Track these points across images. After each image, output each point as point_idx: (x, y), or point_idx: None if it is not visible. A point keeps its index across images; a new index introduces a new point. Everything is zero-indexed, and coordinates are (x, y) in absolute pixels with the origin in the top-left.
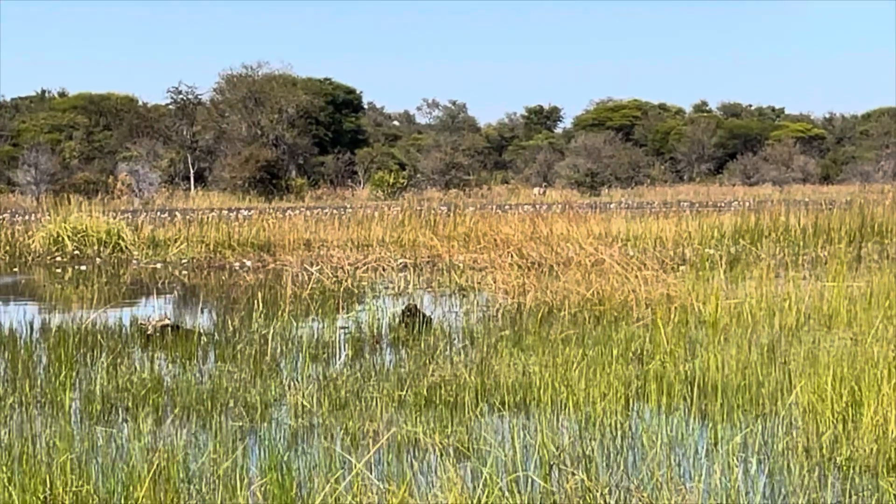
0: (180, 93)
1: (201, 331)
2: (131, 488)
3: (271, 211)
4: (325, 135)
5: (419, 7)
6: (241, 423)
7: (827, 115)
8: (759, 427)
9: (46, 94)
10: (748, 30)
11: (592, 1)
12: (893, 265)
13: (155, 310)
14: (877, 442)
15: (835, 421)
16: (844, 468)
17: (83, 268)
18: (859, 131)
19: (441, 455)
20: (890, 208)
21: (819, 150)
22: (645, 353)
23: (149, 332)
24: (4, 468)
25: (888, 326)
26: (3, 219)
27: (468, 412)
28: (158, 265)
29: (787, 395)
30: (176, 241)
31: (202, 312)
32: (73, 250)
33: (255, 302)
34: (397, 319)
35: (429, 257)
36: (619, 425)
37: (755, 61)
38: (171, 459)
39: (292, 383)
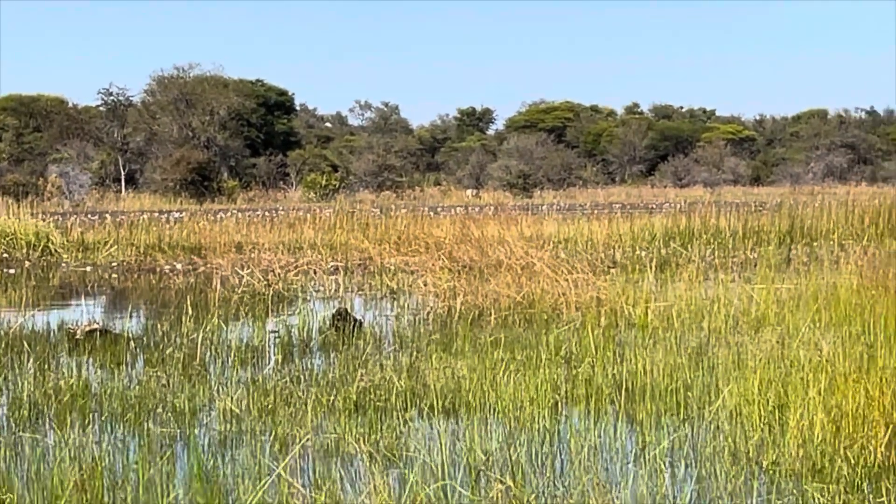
0: (111, 94)
1: (130, 335)
2: (55, 497)
3: (202, 213)
4: (256, 136)
5: (351, 8)
6: (168, 429)
7: (757, 117)
8: (687, 431)
9: None
10: (679, 32)
11: (524, 2)
12: (822, 267)
13: (84, 314)
14: (802, 446)
15: (761, 425)
16: (770, 472)
17: (11, 271)
18: (789, 133)
19: (369, 461)
20: (819, 210)
21: (750, 151)
22: (574, 356)
23: (77, 337)
24: None
25: (815, 330)
26: None
27: (397, 417)
28: (88, 268)
29: (715, 399)
30: (106, 243)
31: (131, 316)
32: (2, 253)
33: (185, 306)
34: (328, 323)
35: (360, 260)
36: (547, 430)
37: (686, 63)
38: (96, 466)
39: (221, 388)
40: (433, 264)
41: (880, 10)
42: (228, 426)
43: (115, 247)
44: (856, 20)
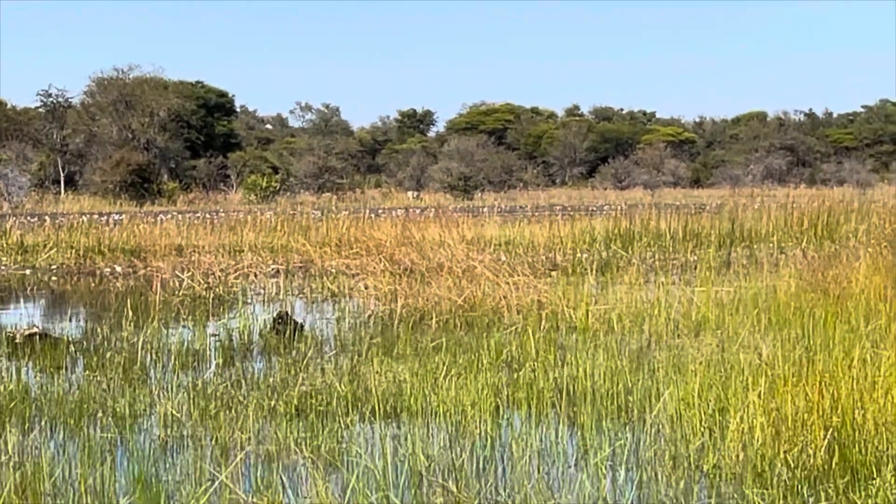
0: (50, 96)
1: (70, 339)
2: None
3: (142, 215)
4: (197, 138)
5: (291, 9)
6: (109, 434)
7: (697, 119)
8: (628, 435)
9: None
10: (619, 34)
11: (464, 2)
12: (761, 270)
13: (23, 317)
14: (743, 450)
15: (702, 429)
16: (711, 476)
17: None
18: (729, 135)
19: (311, 466)
20: (759, 213)
21: (689, 153)
22: (515, 360)
23: (17, 341)
24: None
25: (755, 333)
26: None
27: (339, 422)
28: (27, 271)
29: (656, 403)
30: (45, 246)
31: (71, 320)
32: None
33: (125, 309)
34: (269, 327)
35: (301, 263)
36: (489, 434)
37: (626, 65)
38: (37, 472)
39: (162, 392)
40: (374, 267)
41: (819, 13)
42: (169, 431)
43: (55, 249)
44: (794, 22)
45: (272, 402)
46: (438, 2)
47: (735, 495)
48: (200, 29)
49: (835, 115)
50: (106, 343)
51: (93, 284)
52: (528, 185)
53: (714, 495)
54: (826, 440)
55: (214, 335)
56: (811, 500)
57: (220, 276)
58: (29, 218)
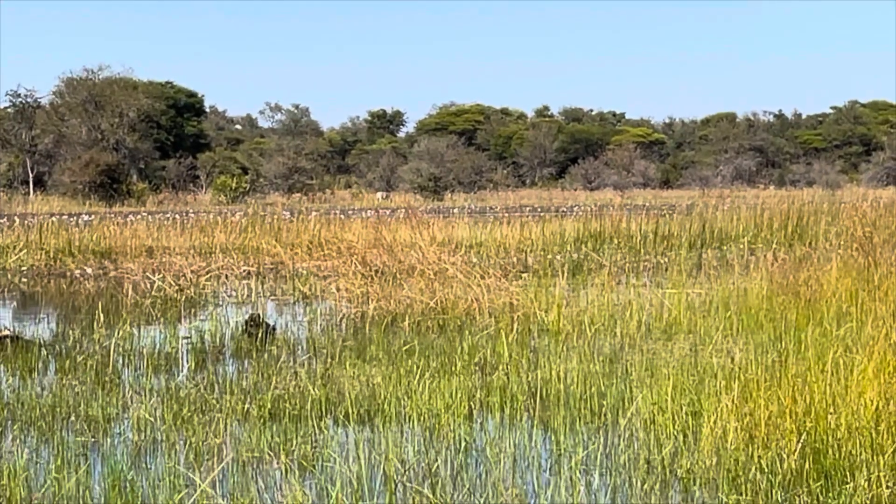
0: (19, 96)
1: (42, 342)
2: None
3: (112, 216)
4: (166, 139)
5: (261, 9)
6: (83, 439)
7: (667, 120)
8: (602, 439)
9: None
10: (588, 34)
11: (433, 2)
12: (733, 272)
13: None
14: (716, 454)
15: (675, 433)
16: (685, 481)
17: None
18: (699, 136)
19: (286, 471)
20: (729, 214)
21: (659, 154)
22: (488, 363)
23: None
24: None
25: (727, 336)
26: None
27: (312, 426)
28: None
29: (629, 407)
30: (15, 247)
31: (43, 322)
32: None
33: (97, 312)
34: (241, 329)
35: (272, 264)
36: (463, 438)
37: (596, 66)
38: (11, 477)
39: (134, 396)
40: (345, 269)
41: (789, 14)
42: (143, 435)
43: (25, 251)
44: (763, 24)
45: (245, 406)
46: (408, 2)
47: (709, 500)
48: (170, 29)
49: (804, 117)
50: (78, 346)
51: (63, 286)
52: (498, 186)
53: (689, 500)
54: (800, 444)
55: (186, 338)
56: None
57: (191, 278)
58: None
